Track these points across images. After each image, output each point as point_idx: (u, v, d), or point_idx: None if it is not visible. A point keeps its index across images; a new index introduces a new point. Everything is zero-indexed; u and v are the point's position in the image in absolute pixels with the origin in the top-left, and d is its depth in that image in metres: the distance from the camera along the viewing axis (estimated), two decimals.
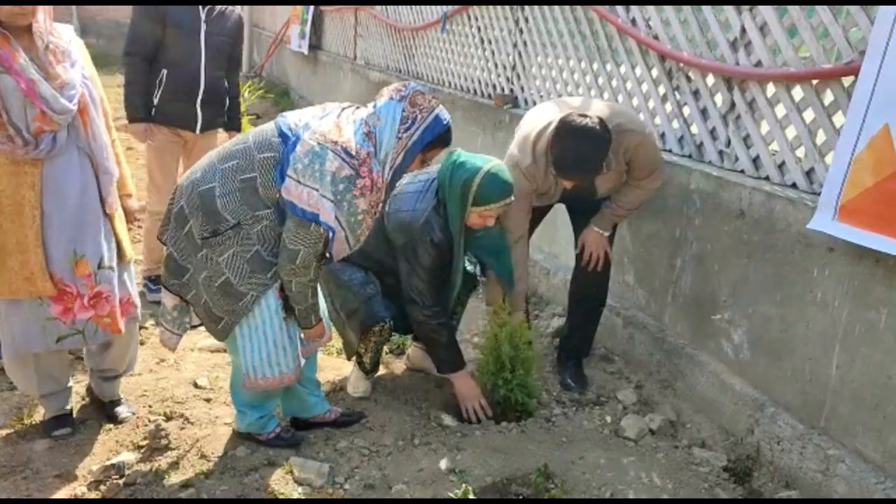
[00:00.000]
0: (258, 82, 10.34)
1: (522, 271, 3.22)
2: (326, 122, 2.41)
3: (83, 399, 3.07)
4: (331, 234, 2.38)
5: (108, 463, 2.65)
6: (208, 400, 3.15)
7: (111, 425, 2.92)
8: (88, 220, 2.62)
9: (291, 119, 2.46)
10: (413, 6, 6.41)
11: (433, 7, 5.97)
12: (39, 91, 2.42)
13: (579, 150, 2.81)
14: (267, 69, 13.04)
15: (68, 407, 2.91)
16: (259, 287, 2.48)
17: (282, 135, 2.42)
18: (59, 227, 2.56)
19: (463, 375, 3.07)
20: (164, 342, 2.76)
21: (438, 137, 2.48)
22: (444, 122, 2.48)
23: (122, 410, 2.98)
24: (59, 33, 2.56)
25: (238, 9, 4.34)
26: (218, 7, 4.13)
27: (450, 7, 5.64)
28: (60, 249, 2.57)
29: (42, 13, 2.46)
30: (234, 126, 4.51)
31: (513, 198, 2.92)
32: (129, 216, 2.91)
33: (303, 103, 10.54)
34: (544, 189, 3.13)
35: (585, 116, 2.84)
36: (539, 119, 3.09)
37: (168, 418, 2.98)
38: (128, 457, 2.70)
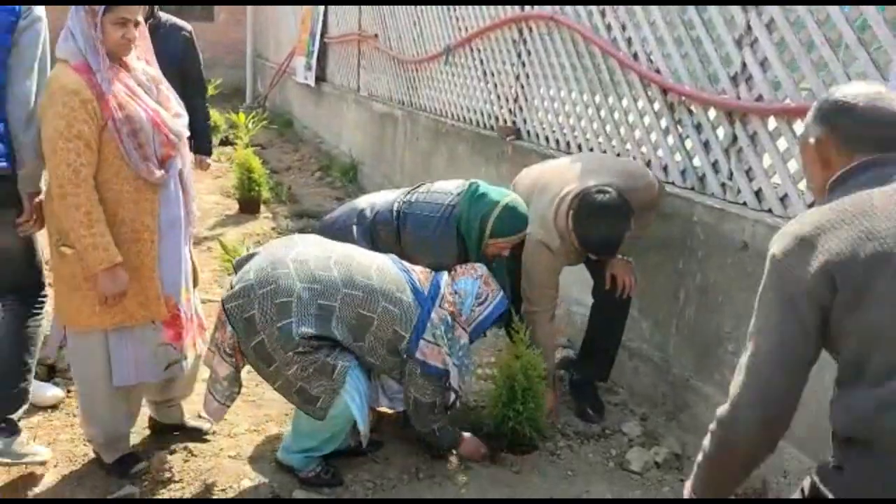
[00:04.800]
0: (262, 113, 10.44)
1: (549, 344, 3.25)
2: (447, 292, 2.76)
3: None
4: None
5: (111, 497, 2.63)
6: (213, 432, 3.13)
7: None
8: (187, 245, 2.72)
9: (417, 277, 2.74)
10: (416, 40, 6.50)
11: (436, 40, 6.05)
12: (162, 118, 2.51)
13: (604, 229, 2.89)
14: (270, 100, 13.16)
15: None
16: (348, 357, 2.61)
17: (415, 291, 2.68)
18: (174, 252, 2.61)
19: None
20: (210, 412, 2.79)
21: (501, 315, 2.87)
22: (505, 304, 2.87)
23: (200, 423, 3.01)
24: (154, 62, 2.67)
25: (186, 28, 4.20)
26: (160, 30, 3.92)
27: (452, 40, 5.71)
28: (174, 274, 2.62)
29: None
30: (202, 150, 4.40)
31: (527, 231, 3.00)
32: None
33: (307, 133, 10.64)
34: (574, 261, 3.19)
35: (603, 192, 2.89)
36: (547, 194, 3.12)
37: (172, 451, 2.96)
38: (131, 490, 2.68)
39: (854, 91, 1.53)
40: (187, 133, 2.68)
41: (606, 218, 2.87)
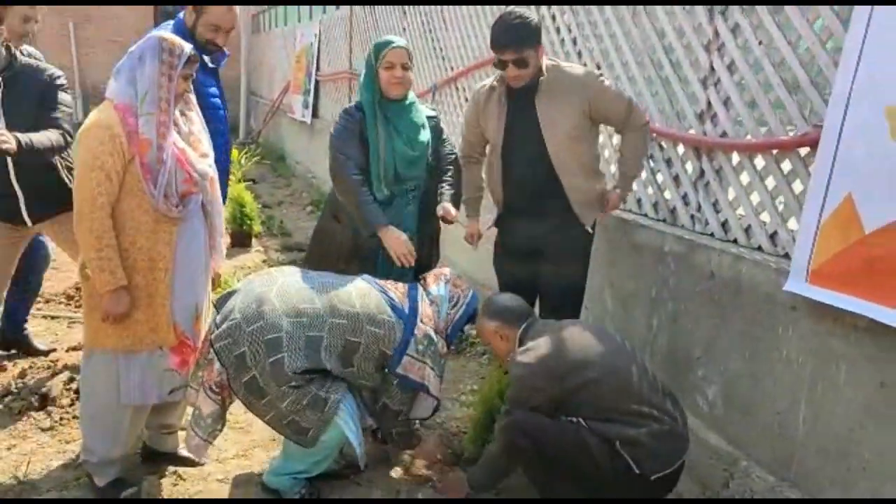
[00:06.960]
0: (255, 148, 10.61)
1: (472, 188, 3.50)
2: (424, 305, 2.93)
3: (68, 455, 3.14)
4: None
5: None
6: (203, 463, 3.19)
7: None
8: (205, 277, 2.86)
9: (395, 295, 2.88)
10: None
11: (423, 78, 6.24)
12: (188, 157, 2.69)
13: (508, 17, 3.07)
14: (264, 135, 13.35)
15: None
16: (340, 388, 2.73)
17: (395, 309, 2.81)
18: (188, 283, 2.77)
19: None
20: (192, 449, 2.88)
21: (474, 312, 3.03)
22: (476, 300, 3.06)
23: (189, 454, 3.05)
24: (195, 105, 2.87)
25: (51, 68, 3.52)
26: (18, 67, 3.38)
27: (438, 79, 5.90)
28: (185, 304, 2.77)
29: None
30: None
31: (402, 43, 3.28)
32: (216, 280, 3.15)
33: (299, 168, 10.79)
34: (486, 117, 3.33)
35: None
36: None
37: (161, 475, 3.04)
38: None
39: None
40: (213, 173, 2.85)
41: (509, 11, 3.07)
